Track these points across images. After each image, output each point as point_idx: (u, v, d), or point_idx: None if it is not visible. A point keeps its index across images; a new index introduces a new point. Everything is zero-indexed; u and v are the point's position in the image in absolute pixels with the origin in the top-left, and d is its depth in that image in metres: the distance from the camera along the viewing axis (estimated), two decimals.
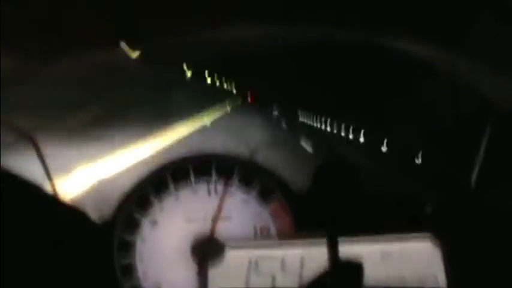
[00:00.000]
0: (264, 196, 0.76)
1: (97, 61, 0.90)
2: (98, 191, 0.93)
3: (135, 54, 0.91)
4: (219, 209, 0.74)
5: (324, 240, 0.73)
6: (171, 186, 0.75)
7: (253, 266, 0.72)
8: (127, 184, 0.77)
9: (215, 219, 0.74)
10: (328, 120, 1.40)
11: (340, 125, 1.34)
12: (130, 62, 0.93)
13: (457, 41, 0.80)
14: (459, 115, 0.99)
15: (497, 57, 0.79)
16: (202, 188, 0.75)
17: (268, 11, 0.81)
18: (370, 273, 0.66)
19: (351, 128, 1.29)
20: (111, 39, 0.85)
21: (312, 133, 1.47)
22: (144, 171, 0.76)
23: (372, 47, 0.88)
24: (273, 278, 0.72)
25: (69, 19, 0.79)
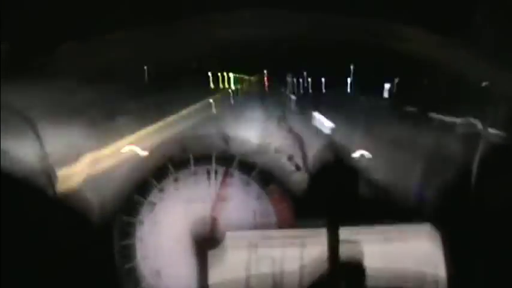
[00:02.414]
0: (264, 180, 0.76)
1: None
2: (98, 177, 0.93)
3: None
4: (220, 194, 0.74)
5: (324, 223, 0.73)
6: (171, 168, 0.74)
7: (253, 249, 0.72)
8: (127, 171, 0.77)
9: (215, 204, 0.74)
10: None
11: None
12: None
13: (459, 33, 0.80)
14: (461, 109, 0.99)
15: (500, 49, 0.79)
16: (201, 170, 0.75)
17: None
18: (369, 257, 0.66)
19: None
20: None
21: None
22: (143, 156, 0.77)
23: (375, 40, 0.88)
24: (273, 262, 0.72)
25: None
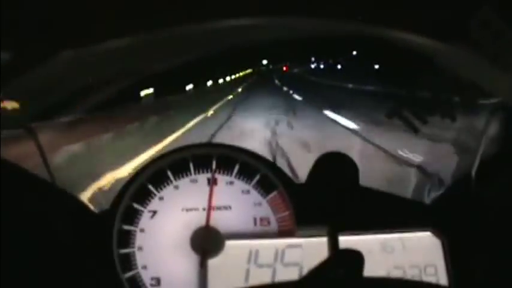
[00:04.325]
0: (264, 187, 0.75)
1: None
2: (98, 182, 0.92)
3: None
4: (210, 198, 0.74)
5: (324, 231, 0.72)
6: (170, 176, 0.74)
7: (253, 256, 0.72)
8: (126, 175, 0.76)
9: (208, 209, 0.74)
10: None
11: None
12: None
13: (457, 34, 0.79)
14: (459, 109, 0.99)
15: (498, 50, 0.78)
16: (201, 178, 0.75)
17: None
18: (369, 264, 0.66)
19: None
20: None
21: None
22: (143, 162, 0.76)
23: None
24: (273, 269, 0.72)
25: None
